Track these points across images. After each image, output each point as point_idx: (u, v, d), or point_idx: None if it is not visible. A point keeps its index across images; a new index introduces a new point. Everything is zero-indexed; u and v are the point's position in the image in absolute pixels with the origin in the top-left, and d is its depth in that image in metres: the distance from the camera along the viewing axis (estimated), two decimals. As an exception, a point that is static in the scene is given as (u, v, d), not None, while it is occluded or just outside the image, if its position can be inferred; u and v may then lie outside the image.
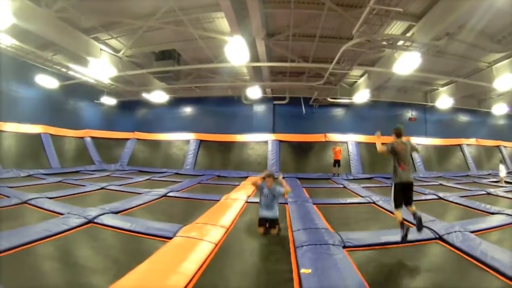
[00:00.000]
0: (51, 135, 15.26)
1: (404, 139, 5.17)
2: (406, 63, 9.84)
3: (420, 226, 4.49)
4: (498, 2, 7.20)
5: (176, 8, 9.27)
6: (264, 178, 5.63)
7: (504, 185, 13.26)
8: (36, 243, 4.26)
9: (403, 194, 4.79)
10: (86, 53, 11.00)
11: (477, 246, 4.26)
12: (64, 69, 14.10)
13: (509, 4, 7.57)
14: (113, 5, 9.45)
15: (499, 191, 10.08)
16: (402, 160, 4.91)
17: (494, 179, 14.92)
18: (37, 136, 14.60)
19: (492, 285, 3.41)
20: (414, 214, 4.62)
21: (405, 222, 4.61)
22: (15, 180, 10.60)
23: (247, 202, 7.94)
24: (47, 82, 14.05)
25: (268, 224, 5.29)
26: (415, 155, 17.16)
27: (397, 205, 4.78)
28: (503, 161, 16.59)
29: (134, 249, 4.42)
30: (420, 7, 8.93)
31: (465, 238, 4.61)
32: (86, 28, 10.82)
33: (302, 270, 3.48)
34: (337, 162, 15.65)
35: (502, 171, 14.70)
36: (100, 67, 11.75)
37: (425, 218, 5.87)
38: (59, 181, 10.85)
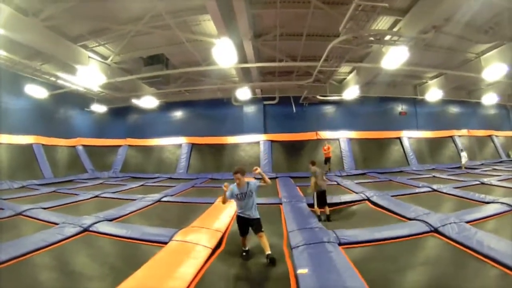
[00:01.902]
0: (43, 145, 15.15)
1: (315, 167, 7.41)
2: (394, 57, 9.95)
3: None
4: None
5: (163, 12, 9.25)
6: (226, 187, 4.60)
7: (464, 171, 14.74)
8: (33, 254, 4.26)
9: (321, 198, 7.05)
10: (74, 61, 10.97)
11: (473, 236, 4.28)
12: (53, 78, 13.99)
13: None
14: (100, 11, 9.41)
15: (493, 180, 10.17)
16: (319, 179, 7.10)
17: (487, 169, 15.09)
18: (29, 147, 14.48)
19: (490, 274, 3.42)
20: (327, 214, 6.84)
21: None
22: (9, 192, 10.52)
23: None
24: (37, 92, 13.96)
25: (251, 227, 4.57)
26: (407, 149, 17.40)
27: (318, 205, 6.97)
28: (463, 149, 17.34)
29: (131, 255, 4.43)
30: (406, 1, 9.04)
31: (460, 229, 4.63)
32: (74, 36, 10.77)
33: (299, 271, 3.49)
34: (328, 160, 15.75)
35: (464, 157, 16.30)
36: (88, 74, 11.69)
37: (420, 211, 5.97)
38: (53, 191, 10.79)
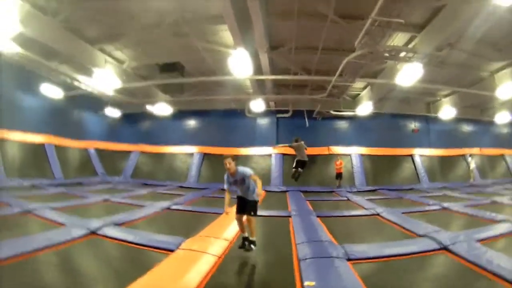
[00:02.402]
0: (55, 145, 15.30)
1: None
2: (409, 74, 9.86)
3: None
4: (498, 10, 7.24)
5: (181, 20, 9.37)
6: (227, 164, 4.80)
7: (474, 189, 14.51)
8: (38, 252, 4.24)
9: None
10: (91, 63, 11.11)
11: (483, 254, 4.18)
12: (69, 79, 14.17)
13: (510, 12, 7.63)
14: (118, 16, 9.52)
15: (505, 200, 10.01)
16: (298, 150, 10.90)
17: (499, 187, 14.83)
18: (41, 146, 14.61)
19: None
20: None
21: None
22: (19, 190, 10.62)
23: (250, 215, 7.90)
24: (52, 91, 14.09)
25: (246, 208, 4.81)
26: (418, 166, 17.21)
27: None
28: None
29: (136, 261, 4.40)
30: (422, 18, 8.96)
31: (470, 248, 4.53)
32: (92, 39, 10.88)
33: (306, 283, 3.42)
34: (339, 175, 15.62)
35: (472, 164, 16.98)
36: (104, 78, 11.80)
37: (430, 228, 5.86)
38: (62, 192, 10.86)
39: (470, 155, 17.11)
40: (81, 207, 8.39)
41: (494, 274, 3.66)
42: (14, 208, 7.08)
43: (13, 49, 9.66)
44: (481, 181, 17.63)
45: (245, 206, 4.80)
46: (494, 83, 12.54)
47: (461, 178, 18.03)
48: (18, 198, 8.57)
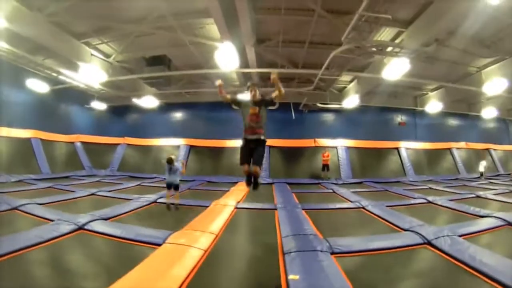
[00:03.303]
0: (42, 140, 15.14)
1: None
2: (396, 68, 10.00)
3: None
4: (486, 8, 7.38)
5: (167, 14, 9.32)
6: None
7: (460, 183, 14.82)
8: (27, 250, 4.26)
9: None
10: (77, 58, 11.02)
11: (466, 250, 4.26)
12: (54, 74, 14.01)
13: (498, 10, 7.78)
14: (105, 9, 9.42)
15: (489, 194, 10.19)
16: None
17: (483, 182, 15.17)
18: (28, 141, 14.47)
19: None
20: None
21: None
22: (6, 186, 10.49)
23: (236, 208, 7.99)
24: (38, 86, 13.94)
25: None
26: (404, 160, 17.49)
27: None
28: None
29: (124, 256, 4.45)
30: (410, 13, 9.09)
31: (453, 243, 4.61)
32: (77, 33, 10.80)
33: (290, 277, 3.49)
34: (325, 167, 15.81)
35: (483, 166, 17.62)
36: (90, 72, 11.72)
37: (414, 222, 5.98)
38: (49, 187, 10.79)
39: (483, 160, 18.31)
40: (69, 202, 8.35)
41: (476, 270, 3.73)
42: (1, 205, 7.02)
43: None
44: (466, 175, 18.01)
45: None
46: (482, 78, 12.81)
47: (447, 171, 18.45)
48: (5, 195, 8.50)
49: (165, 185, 8.23)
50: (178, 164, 8.22)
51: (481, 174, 17.62)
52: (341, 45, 8.98)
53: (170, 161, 7.77)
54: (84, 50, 11.25)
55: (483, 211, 7.09)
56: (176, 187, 7.94)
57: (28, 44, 10.82)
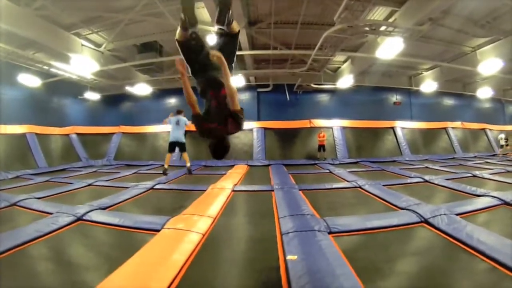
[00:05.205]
0: (37, 134, 15.03)
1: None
2: (389, 48, 9.95)
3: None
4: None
5: (156, 0, 9.17)
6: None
7: (457, 162, 14.70)
8: (28, 244, 4.25)
9: None
10: (67, 50, 10.88)
11: (463, 228, 4.26)
12: (46, 67, 13.87)
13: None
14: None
15: (485, 174, 10.16)
16: None
17: (479, 161, 15.19)
18: (23, 137, 14.37)
19: (478, 267, 3.40)
20: None
21: None
22: (3, 183, 10.44)
23: (233, 190, 8.00)
24: (30, 81, 13.84)
25: None
26: (400, 139, 17.55)
27: None
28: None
29: (124, 243, 4.47)
30: (403, -8, 8.97)
31: (450, 221, 4.62)
32: (67, 25, 10.64)
33: (289, 257, 3.50)
34: (321, 147, 15.86)
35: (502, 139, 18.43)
36: (82, 62, 11.60)
37: (411, 201, 5.99)
38: (47, 181, 10.74)
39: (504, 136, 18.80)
40: (67, 194, 8.33)
41: (473, 248, 3.73)
42: (0, 202, 7.01)
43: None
44: (462, 155, 18.13)
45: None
46: (477, 58, 12.77)
47: (443, 151, 18.48)
48: (3, 192, 8.46)
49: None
50: (185, 119, 8.01)
51: (502, 146, 18.30)
52: (333, 25, 8.89)
53: (179, 112, 7.68)
54: (74, 41, 11.08)
55: (479, 190, 7.05)
56: (181, 147, 7.73)
57: (17, 39, 10.67)
